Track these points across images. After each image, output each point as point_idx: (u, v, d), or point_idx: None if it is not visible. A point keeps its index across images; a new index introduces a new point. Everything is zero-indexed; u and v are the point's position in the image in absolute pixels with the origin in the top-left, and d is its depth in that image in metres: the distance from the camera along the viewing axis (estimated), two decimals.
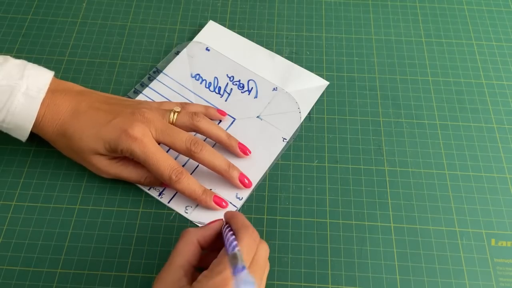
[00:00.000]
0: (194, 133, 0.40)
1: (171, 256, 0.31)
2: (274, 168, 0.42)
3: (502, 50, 0.49)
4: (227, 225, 0.33)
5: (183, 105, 0.42)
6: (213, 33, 0.49)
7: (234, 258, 0.26)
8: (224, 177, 0.39)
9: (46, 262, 0.37)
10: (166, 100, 0.44)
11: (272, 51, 0.49)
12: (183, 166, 0.39)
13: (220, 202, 0.39)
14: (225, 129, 0.42)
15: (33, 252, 0.37)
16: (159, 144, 0.38)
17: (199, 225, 0.38)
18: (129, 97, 0.44)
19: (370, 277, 0.37)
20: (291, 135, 0.43)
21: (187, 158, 0.40)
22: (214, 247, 0.33)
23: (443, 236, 0.38)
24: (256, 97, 0.45)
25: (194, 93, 0.45)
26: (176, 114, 0.39)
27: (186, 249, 0.31)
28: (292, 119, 0.44)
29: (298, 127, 0.43)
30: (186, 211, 0.39)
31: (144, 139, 0.36)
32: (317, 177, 0.41)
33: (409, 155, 0.42)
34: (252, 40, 0.49)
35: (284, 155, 0.42)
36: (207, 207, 0.39)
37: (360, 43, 0.50)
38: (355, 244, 0.38)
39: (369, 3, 0.53)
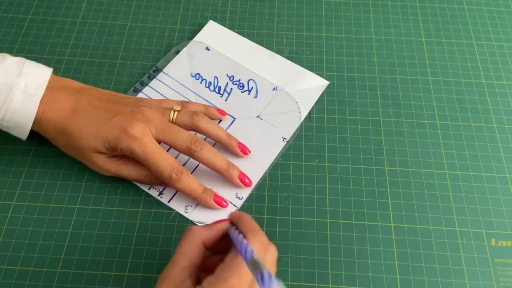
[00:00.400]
0: (194, 132, 0.40)
1: (175, 255, 0.30)
2: (274, 168, 0.41)
3: (502, 50, 0.49)
4: (234, 227, 0.31)
5: (183, 103, 0.42)
6: (213, 33, 0.49)
7: (255, 265, 0.24)
8: (224, 177, 0.39)
9: (46, 262, 0.37)
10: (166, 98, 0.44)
11: (272, 51, 0.49)
12: (183, 165, 0.39)
13: (220, 202, 0.39)
14: (225, 129, 0.42)
15: (33, 251, 0.37)
16: (159, 143, 0.38)
17: (199, 224, 0.38)
18: None
19: (370, 276, 0.37)
20: (291, 134, 0.43)
21: (187, 157, 0.40)
22: (217, 248, 0.32)
23: (443, 236, 0.38)
24: (256, 96, 0.45)
25: (194, 93, 0.45)
26: (176, 113, 0.39)
27: (191, 250, 0.30)
28: (292, 118, 0.44)
29: (298, 126, 0.43)
30: (186, 210, 0.39)
31: (144, 138, 0.36)
32: (317, 177, 0.41)
33: (409, 155, 0.42)
34: (252, 40, 0.49)
35: (284, 155, 0.42)
36: (207, 207, 0.39)
37: (360, 43, 0.50)
38: (355, 243, 0.38)
39: (369, 2, 0.53)
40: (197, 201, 0.39)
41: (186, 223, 0.39)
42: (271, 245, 0.30)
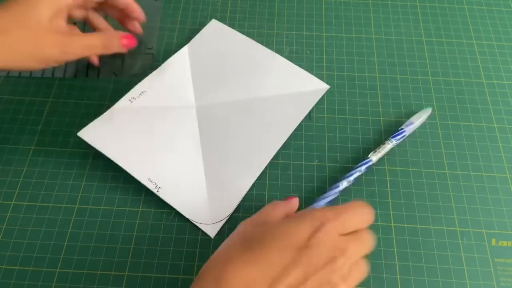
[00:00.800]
0: None
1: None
2: (274, 168, 0.41)
3: (503, 49, 0.49)
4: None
5: None
6: (215, 31, 0.49)
7: None
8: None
9: (45, 262, 0.36)
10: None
11: (272, 50, 0.49)
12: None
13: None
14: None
15: (32, 251, 0.37)
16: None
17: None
18: None
19: (371, 276, 0.36)
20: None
21: None
22: None
23: (443, 236, 0.38)
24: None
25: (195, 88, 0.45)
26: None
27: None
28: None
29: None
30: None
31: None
32: (317, 177, 0.41)
33: (409, 155, 0.42)
34: (253, 40, 0.49)
35: (284, 155, 0.42)
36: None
37: (361, 43, 0.50)
38: None
39: (369, 2, 0.53)
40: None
41: (186, 223, 0.38)
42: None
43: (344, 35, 0.50)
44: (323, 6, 0.53)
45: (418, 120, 0.43)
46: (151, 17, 0.51)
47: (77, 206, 0.39)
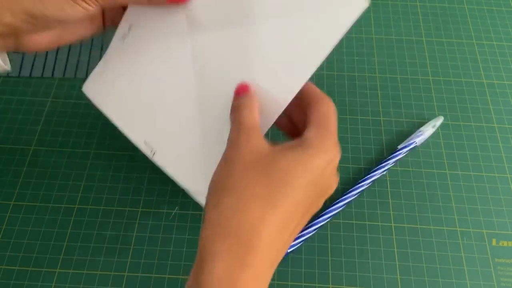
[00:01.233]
0: None
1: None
2: None
3: (503, 49, 0.49)
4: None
5: None
6: None
7: None
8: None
9: (45, 262, 0.36)
10: None
11: None
12: None
13: None
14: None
15: (32, 251, 0.37)
16: None
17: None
18: None
19: (371, 277, 0.36)
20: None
21: None
22: None
23: (444, 236, 0.38)
24: None
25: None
26: None
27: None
28: None
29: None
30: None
31: None
32: None
33: (409, 155, 0.42)
34: None
35: None
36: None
37: (361, 43, 0.50)
38: (355, 243, 0.38)
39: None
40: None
41: (185, 223, 0.38)
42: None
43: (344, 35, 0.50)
44: None
45: (429, 130, 0.42)
46: None
47: (77, 206, 0.39)
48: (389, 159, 0.41)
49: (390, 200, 0.40)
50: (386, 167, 0.40)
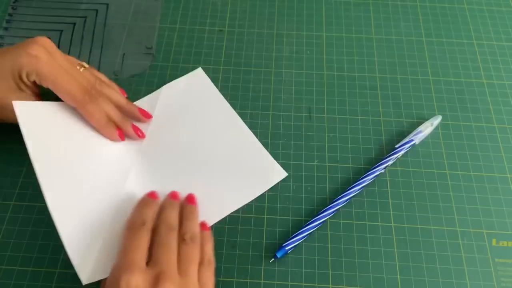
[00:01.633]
0: None
1: None
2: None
3: (503, 49, 0.49)
4: None
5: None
6: (194, 83, 0.46)
7: None
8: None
9: (45, 262, 0.36)
10: None
11: (272, 51, 0.49)
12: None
13: (136, 131, 0.41)
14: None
15: (32, 251, 0.37)
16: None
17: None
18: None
19: (371, 277, 0.36)
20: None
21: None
22: None
23: (444, 236, 0.38)
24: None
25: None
26: (83, 68, 0.39)
27: None
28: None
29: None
30: None
31: (48, 57, 0.35)
32: (318, 177, 0.41)
33: (409, 155, 0.42)
34: (252, 40, 0.49)
35: (284, 155, 0.42)
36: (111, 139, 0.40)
37: (361, 43, 0.50)
38: (355, 243, 0.38)
39: (369, 2, 0.53)
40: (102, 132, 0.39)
41: None
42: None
43: (344, 35, 0.50)
44: (323, 6, 0.53)
45: (427, 129, 0.42)
46: (151, 17, 0.51)
47: None
48: (387, 158, 0.41)
49: (390, 200, 0.40)
50: (383, 166, 0.40)
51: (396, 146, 0.42)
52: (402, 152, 0.41)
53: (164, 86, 0.45)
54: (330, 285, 0.36)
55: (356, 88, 0.46)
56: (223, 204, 0.39)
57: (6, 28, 0.49)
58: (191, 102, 0.44)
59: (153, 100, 0.44)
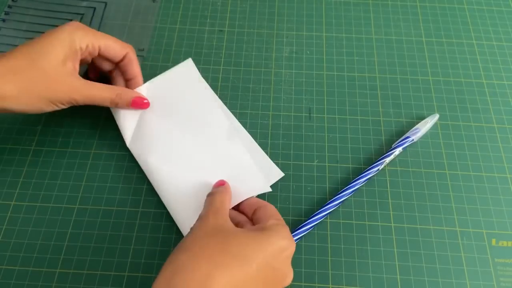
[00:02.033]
0: None
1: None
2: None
3: (503, 49, 0.49)
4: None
5: None
6: (184, 74, 0.45)
7: None
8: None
9: (45, 262, 0.36)
10: None
11: (272, 51, 0.49)
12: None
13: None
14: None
15: (32, 251, 0.37)
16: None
17: None
18: None
19: (371, 277, 0.36)
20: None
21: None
22: None
23: (443, 236, 0.38)
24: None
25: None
26: None
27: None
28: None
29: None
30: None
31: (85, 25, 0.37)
32: (317, 177, 0.41)
33: (409, 155, 0.42)
34: (252, 40, 0.49)
35: (284, 155, 0.42)
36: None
37: (361, 43, 0.50)
38: (355, 243, 0.38)
39: (369, 2, 0.53)
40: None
41: None
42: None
43: (344, 35, 0.50)
44: (323, 6, 0.53)
45: (425, 126, 0.42)
46: (145, 17, 0.51)
47: (77, 206, 0.39)
48: (384, 156, 0.41)
49: (390, 200, 0.40)
50: (381, 165, 0.41)
51: (393, 145, 0.42)
52: (402, 146, 0.41)
53: (148, 82, 0.43)
54: (330, 285, 0.36)
55: (356, 88, 0.46)
56: None
57: (3, 20, 0.49)
58: (179, 98, 0.43)
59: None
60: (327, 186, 0.41)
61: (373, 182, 0.41)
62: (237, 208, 0.36)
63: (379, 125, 0.44)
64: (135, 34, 0.50)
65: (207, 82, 0.45)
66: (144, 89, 0.43)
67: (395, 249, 0.38)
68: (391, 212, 0.39)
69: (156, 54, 0.48)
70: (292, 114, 0.45)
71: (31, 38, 0.36)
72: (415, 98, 0.46)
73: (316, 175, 0.41)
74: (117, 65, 0.41)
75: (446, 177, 0.41)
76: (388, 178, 0.41)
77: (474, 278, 0.36)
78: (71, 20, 0.47)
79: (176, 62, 0.47)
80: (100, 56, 0.39)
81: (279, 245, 0.30)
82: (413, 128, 0.42)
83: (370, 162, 0.42)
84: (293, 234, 0.37)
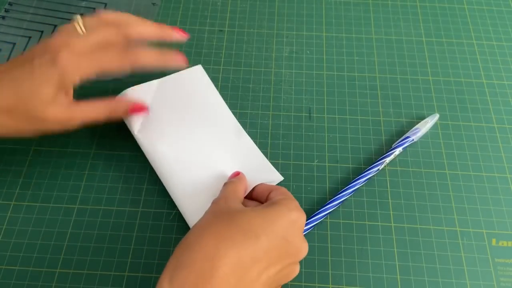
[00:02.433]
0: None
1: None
2: (274, 168, 0.41)
3: (503, 49, 0.49)
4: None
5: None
6: (194, 78, 0.45)
7: None
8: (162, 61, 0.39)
9: (45, 262, 0.36)
10: None
11: (272, 51, 0.49)
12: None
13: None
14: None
15: (32, 251, 0.37)
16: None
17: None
18: None
19: (371, 277, 0.36)
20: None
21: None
22: None
23: (443, 236, 0.38)
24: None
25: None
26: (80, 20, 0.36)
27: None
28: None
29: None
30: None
31: (77, 58, 0.35)
32: (317, 177, 0.41)
33: (409, 155, 0.42)
34: (252, 40, 0.49)
35: (284, 155, 0.42)
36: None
37: (361, 43, 0.50)
38: (355, 243, 0.38)
39: (369, 2, 0.53)
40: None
41: (186, 223, 0.38)
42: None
43: (344, 35, 0.50)
44: (323, 6, 0.53)
45: (425, 126, 0.42)
46: (145, 17, 0.50)
47: (77, 206, 0.39)
48: (384, 156, 0.41)
49: (390, 200, 0.40)
50: (381, 165, 0.41)
51: (393, 145, 0.42)
52: (403, 146, 0.41)
53: (157, 80, 0.44)
54: (330, 285, 0.36)
55: (356, 88, 0.46)
56: None
57: (3, 17, 0.49)
58: (189, 95, 0.43)
59: (146, 90, 0.43)
60: (327, 186, 0.41)
61: (373, 182, 0.41)
62: (250, 197, 0.37)
63: (379, 125, 0.44)
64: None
65: None
66: (155, 84, 0.43)
67: (395, 249, 0.38)
68: (391, 212, 0.39)
69: None
70: (292, 114, 0.45)
71: (30, 37, 0.36)
72: (415, 98, 0.46)
73: (316, 175, 0.41)
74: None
75: (446, 177, 0.41)
76: (388, 178, 0.41)
77: (474, 278, 0.36)
78: (71, 20, 0.47)
79: None
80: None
81: (289, 217, 0.30)
82: (413, 128, 0.42)
83: (370, 162, 0.42)
84: None
